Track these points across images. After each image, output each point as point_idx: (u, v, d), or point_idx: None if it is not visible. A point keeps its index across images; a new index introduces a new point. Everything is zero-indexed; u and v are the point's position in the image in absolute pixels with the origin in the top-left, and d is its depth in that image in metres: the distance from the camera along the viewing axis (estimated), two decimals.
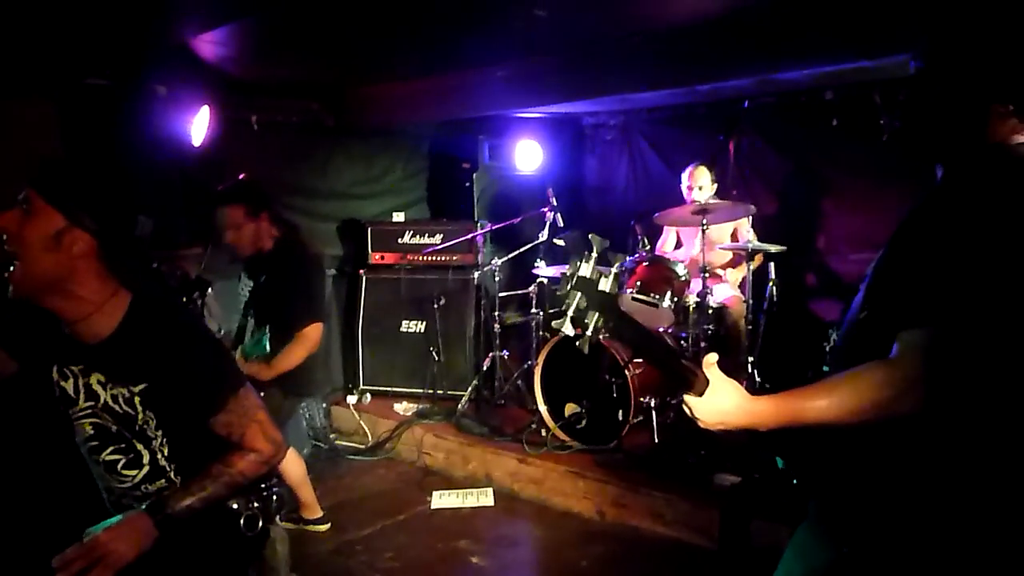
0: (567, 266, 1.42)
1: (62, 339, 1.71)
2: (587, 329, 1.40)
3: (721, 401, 1.41)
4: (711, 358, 1.45)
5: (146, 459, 1.72)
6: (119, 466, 1.73)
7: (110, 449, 1.73)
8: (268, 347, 3.30)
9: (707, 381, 1.42)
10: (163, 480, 1.73)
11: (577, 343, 1.42)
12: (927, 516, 1.33)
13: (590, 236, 1.46)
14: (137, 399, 1.68)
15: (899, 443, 1.34)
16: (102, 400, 1.69)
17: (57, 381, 1.72)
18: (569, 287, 1.41)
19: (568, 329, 1.41)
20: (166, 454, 1.73)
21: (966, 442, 1.31)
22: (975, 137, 1.38)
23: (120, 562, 1.53)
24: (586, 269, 1.41)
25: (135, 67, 3.94)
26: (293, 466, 3.68)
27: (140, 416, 1.69)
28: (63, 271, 1.60)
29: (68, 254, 1.59)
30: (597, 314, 1.39)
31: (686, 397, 1.44)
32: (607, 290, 1.40)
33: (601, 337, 1.37)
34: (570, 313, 1.40)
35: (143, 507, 1.62)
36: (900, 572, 1.36)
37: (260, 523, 1.80)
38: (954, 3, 1.42)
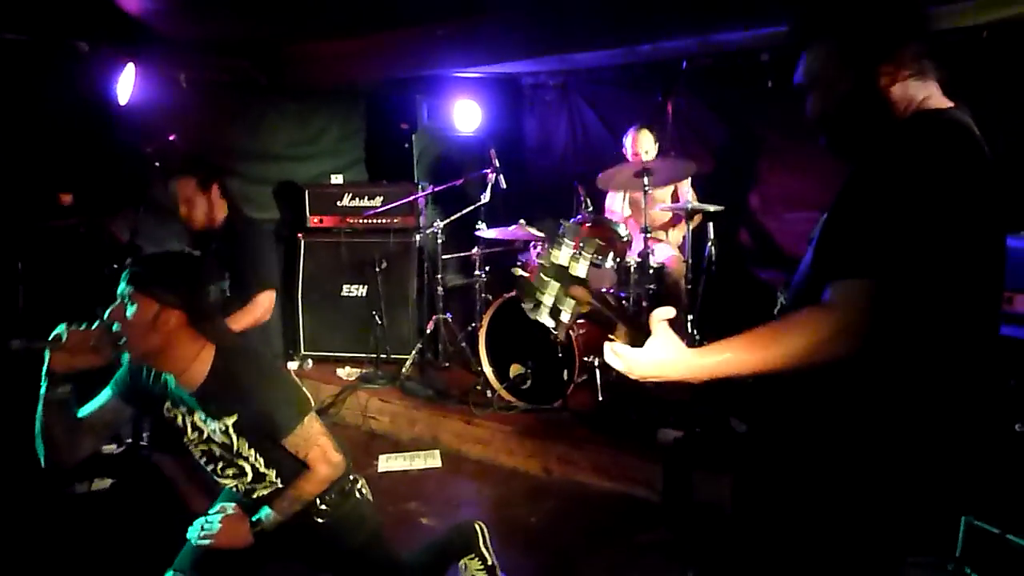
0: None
1: (169, 389, 2.18)
2: (562, 315, 1.39)
3: (657, 352, 1.38)
4: (666, 312, 1.41)
5: (248, 470, 2.19)
6: (230, 477, 2.22)
7: (218, 466, 2.21)
8: (228, 292, 3.25)
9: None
10: (267, 481, 2.22)
11: (554, 331, 1.41)
12: (852, 470, 1.40)
13: (563, 223, 1.45)
14: (231, 429, 2.12)
15: (826, 390, 1.39)
16: (205, 433, 2.16)
17: (171, 417, 2.20)
18: (547, 277, 1.39)
19: (548, 320, 1.39)
20: (263, 464, 2.19)
21: (891, 393, 1.37)
22: (883, 111, 1.43)
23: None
24: (560, 256, 1.40)
25: (53, 21, 3.72)
26: None
27: (235, 442, 2.14)
28: (163, 342, 2.05)
29: (165, 329, 2.04)
30: (574, 301, 1.39)
31: (621, 348, 1.41)
32: (581, 275, 1.40)
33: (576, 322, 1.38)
34: (549, 303, 1.39)
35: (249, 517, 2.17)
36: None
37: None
38: None
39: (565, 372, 4.16)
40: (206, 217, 3.34)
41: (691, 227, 4.49)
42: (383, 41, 4.62)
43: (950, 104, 1.44)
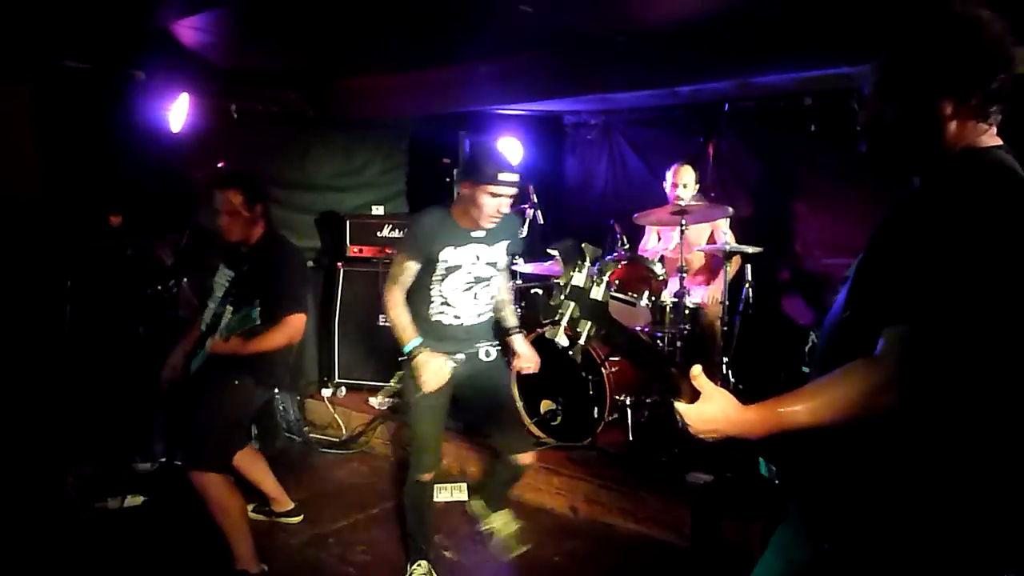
0: (559, 274, 1.43)
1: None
2: (579, 338, 1.41)
3: (711, 410, 1.43)
4: (696, 370, 1.45)
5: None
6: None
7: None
8: (258, 320, 3.23)
9: (697, 390, 1.44)
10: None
11: (570, 352, 1.44)
12: (907, 512, 1.35)
13: (583, 245, 1.47)
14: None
15: (881, 440, 1.35)
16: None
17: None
18: (563, 297, 1.42)
19: (562, 339, 1.42)
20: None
21: (947, 439, 1.32)
22: (934, 141, 1.40)
23: None
24: (579, 278, 1.43)
25: (114, 50, 3.89)
26: (251, 463, 3.69)
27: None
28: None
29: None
30: (590, 323, 1.40)
31: (677, 404, 1.46)
32: (599, 298, 1.41)
33: (592, 344, 1.39)
34: (564, 322, 1.41)
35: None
36: (880, 568, 1.38)
37: None
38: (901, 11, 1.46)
39: (596, 410, 4.12)
40: (243, 233, 3.32)
41: (730, 270, 4.44)
42: (427, 78, 4.73)
43: (998, 142, 1.41)
